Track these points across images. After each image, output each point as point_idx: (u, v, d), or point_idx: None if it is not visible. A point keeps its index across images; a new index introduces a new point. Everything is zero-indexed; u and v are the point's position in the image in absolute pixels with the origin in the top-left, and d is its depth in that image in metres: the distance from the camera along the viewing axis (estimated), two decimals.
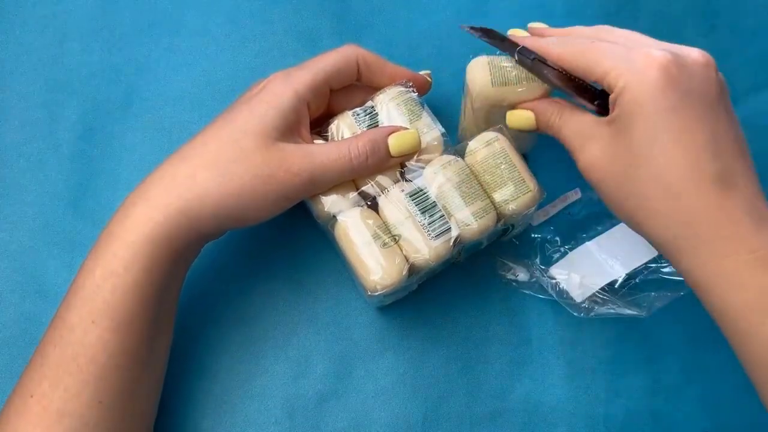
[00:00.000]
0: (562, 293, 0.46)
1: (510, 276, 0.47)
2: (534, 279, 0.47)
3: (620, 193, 0.37)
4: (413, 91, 0.43)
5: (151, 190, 0.38)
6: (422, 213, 0.40)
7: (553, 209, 0.49)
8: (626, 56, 0.36)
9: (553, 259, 0.48)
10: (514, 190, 0.41)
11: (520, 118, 0.42)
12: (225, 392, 0.45)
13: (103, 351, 0.36)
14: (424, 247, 0.40)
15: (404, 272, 0.40)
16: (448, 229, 0.40)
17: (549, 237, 0.48)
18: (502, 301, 0.47)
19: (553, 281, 0.47)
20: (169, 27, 0.52)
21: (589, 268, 0.47)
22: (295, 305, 0.47)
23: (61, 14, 0.52)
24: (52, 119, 0.50)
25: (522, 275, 0.47)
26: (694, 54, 0.38)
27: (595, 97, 0.40)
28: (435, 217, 0.40)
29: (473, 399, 0.46)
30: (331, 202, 0.41)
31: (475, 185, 0.41)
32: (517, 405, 0.46)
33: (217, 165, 0.38)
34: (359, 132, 0.42)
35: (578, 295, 0.46)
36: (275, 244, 0.47)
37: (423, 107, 0.43)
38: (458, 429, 0.45)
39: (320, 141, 0.42)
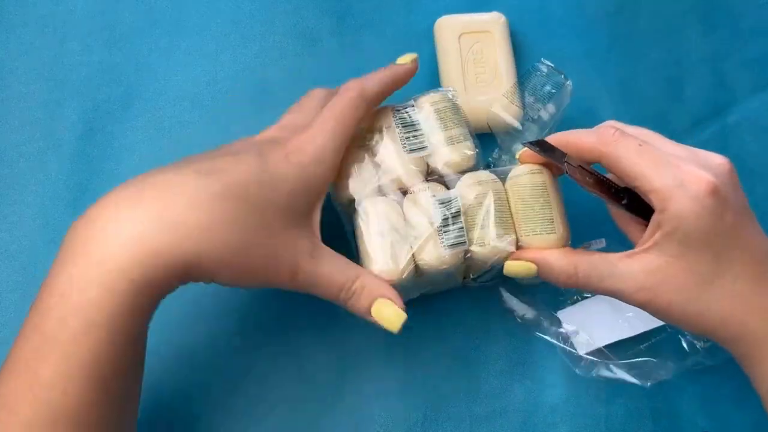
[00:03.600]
0: (566, 340, 0.46)
1: (512, 308, 0.46)
2: (539, 319, 0.46)
3: (692, 311, 0.37)
4: (455, 97, 0.43)
5: (145, 230, 0.32)
6: (443, 220, 0.40)
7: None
8: (675, 175, 0.36)
9: (562, 303, 0.47)
10: (540, 227, 0.40)
11: (520, 270, 0.40)
12: (225, 393, 0.45)
13: (87, 411, 0.32)
14: (433, 253, 0.39)
15: (407, 273, 0.39)
16: (464, 243, 0.40)
17: None
18: (501, 299, 0.47)
19: (560, 329, 0.46)
20: (169, 27, 0.52)
21: (599, 322, 0.46)
22: (295, 305, 0.47)
23: (61, 14, 0.52)
24: (52, 119, 0.50)
25: (528, 314, 0.46)
26: (719, 160, 0.38)
27: (621, 196, 0.40)
28: (455, 227, 0.40)
29: (473, 399, 0.46)
30: (354, 188, 0.40)
31: (506, 211, 0.41)
32: (517, 405, 0.46)
33: (234, 229, 0.34)
34: (401, 157, 0.40)
35: (582, 346, 0.46)
36: None
37: (461, 116, 0.42)
38: (458, 429, 0.45)
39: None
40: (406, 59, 0.42)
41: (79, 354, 0.31)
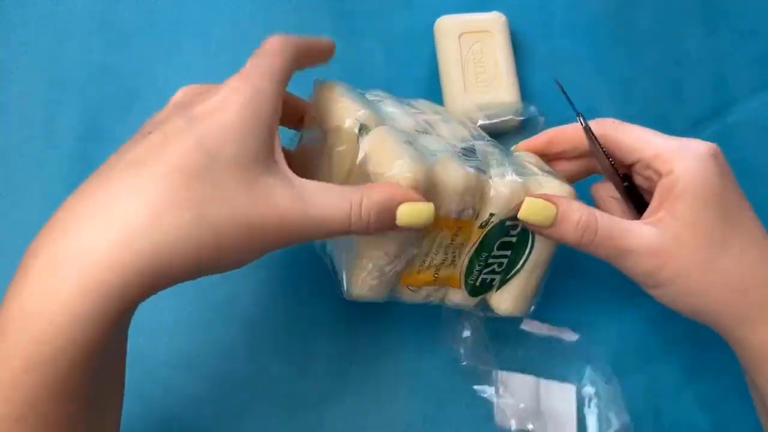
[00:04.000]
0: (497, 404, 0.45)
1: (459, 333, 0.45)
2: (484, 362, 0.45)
3: (705, 280, 0.36)
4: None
5: (90, 237, 0.27)
6: (463, 149, 0.37)
7: (540, 329, 0.47)
8: (677, 140, 0.38)
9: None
10: (557, 177, 0.39)
11: (539, 209, 0.37)
12: (224, 393, 0.45)
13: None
14: (456, 169, 0.35)
15: (429, 174, 0.34)
16: (483, 171, 0.37)
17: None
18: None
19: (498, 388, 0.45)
20: (169, 27, 0.52)
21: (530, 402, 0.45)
22: (294, 305, 0.47)
23: (61, 14, 0.52)
24: (52, 119, 0.50)
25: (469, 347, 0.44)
26: (707, 142, 0.39)
27: (623, 180, 0.40)
28: (473, 158, 0.37)
29: (473, 399, 0.46)
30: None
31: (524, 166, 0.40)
32: None
33: (188, 205, 0.28)
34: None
35: (503, 418, 0.44)
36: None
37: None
38: (458, 429, 0.45)
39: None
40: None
41: (18, 396, 0.27)
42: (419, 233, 0.37)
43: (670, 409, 0.46)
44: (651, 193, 0.39)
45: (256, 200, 0.30)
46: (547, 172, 0.40)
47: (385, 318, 0.47)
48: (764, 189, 0.50)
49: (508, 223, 0.38)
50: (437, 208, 0.35)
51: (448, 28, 0.50)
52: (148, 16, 0.52)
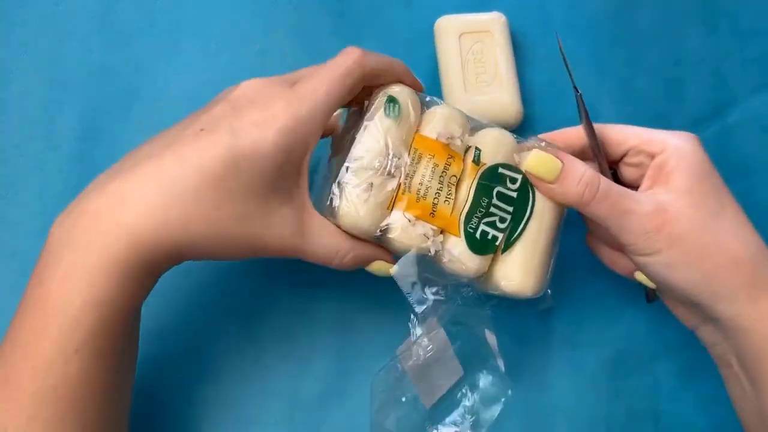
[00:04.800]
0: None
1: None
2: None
3: (703, 243, 0.37)
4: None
5: (132, 212, 0.34)
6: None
7: None
8: (666, 133, 0.40)
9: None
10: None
11: (544, 161, 0.38)
12: (225, 392, 0.45)
13: (88, 383, 0.34)
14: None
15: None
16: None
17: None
18: (502, 300, 0.47)
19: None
20: (169, 27, 0.52)
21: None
22: (294, 304, 0.47)
23: (61, 14, 0.51)
24: (52, 119, 0.50)
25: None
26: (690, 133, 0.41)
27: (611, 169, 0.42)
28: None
29: (473, 399, 0.46)
30: None
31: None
32: (517, 405, 0.45)
33: (209, 214, 0.34)
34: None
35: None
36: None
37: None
38: (458, 429, 0.45)
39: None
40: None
41: (79, 331, 0.33)
42: (406, 145, 0.39)
43: (670, 409, 0.46)
44: (635, 186, 0.40)
45: (266, 229, 0.36)
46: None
47: (384, 317, 0.47)
48: (764, 189, 0.50)
49: (501, 170, 0.39)
50: (423, 129, 0.39)
51: (448, 28, 0.50)
52: (148, 16, 0.52)
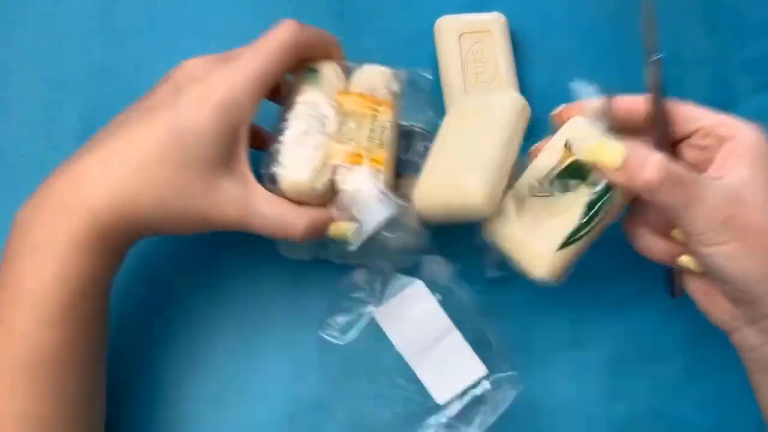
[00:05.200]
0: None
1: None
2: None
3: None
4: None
5: (89, 190, 0.36)
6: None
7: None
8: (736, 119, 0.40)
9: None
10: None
11: (609, 150, 0.37)
12: (225, 393, 0.45)
13: (63, 350, 0.36)
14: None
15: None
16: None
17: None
18: (502, 300, 0.47)
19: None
20: (169, 27, 0.52)
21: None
22: (294, 305, 0.47)
23: (61, 14, 0.51)
24: (52, 119, 0.50)
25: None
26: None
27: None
28: None
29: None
30: None
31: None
32: (517, 406, 0.45)
33: (157, 190, 0.37)
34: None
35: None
36: (272, 242, 0.47)
37: None
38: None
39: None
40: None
41: (50, 305, 0.35)
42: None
43: (670, 409, 0.46)
44: (698, 168, 0.39)
45: (210, 203, 0.37)
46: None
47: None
48: None
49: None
50: (350, 88, 0.41)
51: (448, 28, 0.50)
52: (148, 16, 0.52)
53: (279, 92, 0.43)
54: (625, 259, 0.47)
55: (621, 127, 0.41)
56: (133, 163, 0.36)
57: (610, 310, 0.48)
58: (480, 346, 0.44)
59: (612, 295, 0.48)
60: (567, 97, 0.42)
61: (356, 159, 0.40)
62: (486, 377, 0.43)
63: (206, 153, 0.37)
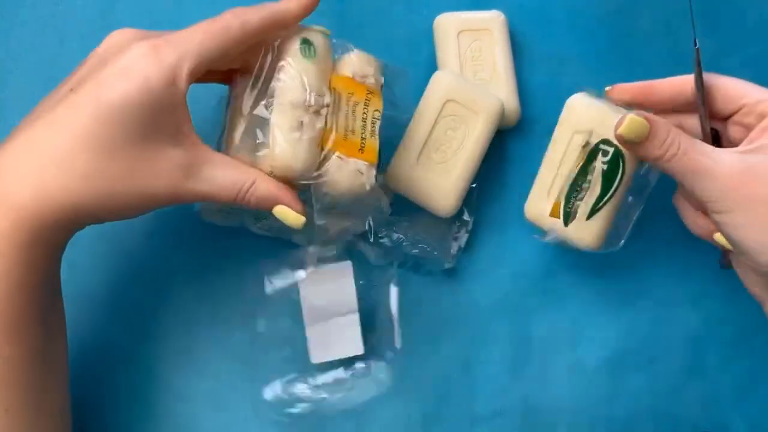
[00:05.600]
0: None
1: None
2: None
3: None
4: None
5: (8, 186, 0.33)
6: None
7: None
8: None
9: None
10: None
11: (637, 126, 0.39)
12: (224, 392, 0.45)
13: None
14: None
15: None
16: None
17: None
18: (502, 300, 0.47)
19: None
20: (170, 27, 0.52)
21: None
22: (293, 309, 0.47)
23: (61, 14, 0.51)
24: None
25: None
26: None
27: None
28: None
29: (473, 399, 0.46)
30: None
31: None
32: (516, 405, 0.45)
33: (88, 173, 0.33)
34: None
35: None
36: (271, 243, 0.47)
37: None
38: (458, 429, 0.45)
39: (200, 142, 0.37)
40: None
41: None
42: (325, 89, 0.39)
43: (670, 409, 0.46)
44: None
45: (154, 178, 0.34)
46: None
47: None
48: None
49: (600, 146, 0.42)
50: (338, 71, 0.40)
51: (448, 25, 0.50)
52: (148, 16, 0.52)
53: (231, 77, 0.41)
54: (624, 259, 0.48)
55: (668, 108, 0.43)
56: (57, 151, 0.33)
57: (610, 310, 0.48)
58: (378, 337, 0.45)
59: (612, 295, 0.48)
60: (564, 96, 0.42)
61: (351, 150, 0.39)
62: (362, 360, 0.44)
63: (143, 128, 0.34)
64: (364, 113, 0.40)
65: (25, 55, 0.51)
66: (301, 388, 0.44)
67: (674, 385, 0.46)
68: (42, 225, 0.33)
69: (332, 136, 0.39)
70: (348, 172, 0.39)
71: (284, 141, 0.37)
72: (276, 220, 0.38)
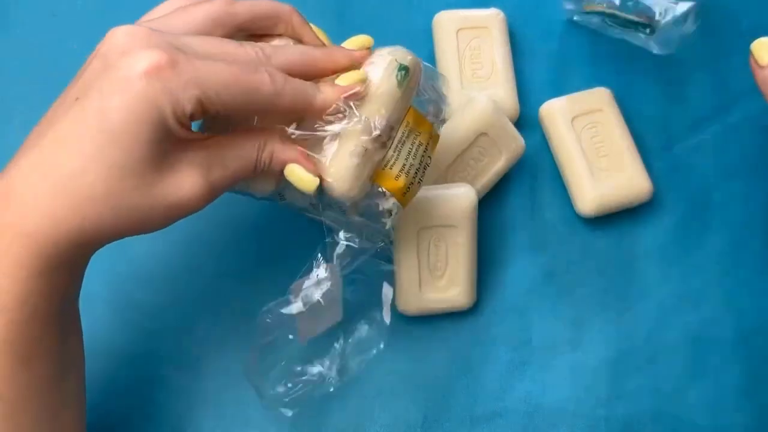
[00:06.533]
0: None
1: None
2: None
3: None
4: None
5: (19, 210, 0.31)
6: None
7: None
8: None
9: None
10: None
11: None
12: (224, 392, 0.45)
13: (9, 387, 0.32)
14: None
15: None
16: None
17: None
18: (502, 300, 0.47)
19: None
20: None
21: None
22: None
23: (61, 14, 0.52)
24: None
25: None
26: None
27: None
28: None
29: (473, 399, 0.45)
30: None
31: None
32: (517, 405, 0.45)
33: (101, 191, 0.31)
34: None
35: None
36: (271, 243, 0.47)
37: None
38: (458, 429, 0.45)
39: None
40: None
41: None
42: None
43: (670, 409, 0.46)
44: None
45: (177, 184, 0.32)
46: None
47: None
48: (765, 189, 0.50)
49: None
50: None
51: (447, 23, 0.50)
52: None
53: None
54: (624, 259, 0.48)
55: None
56: (67, 169, 0.30)
57: (610, 310, 0.48)
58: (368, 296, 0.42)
59: (612, 295, 0.48)
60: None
61: (398, 192, 0.37)
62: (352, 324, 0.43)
63: (156, 133, 0.31)
64: (423, 157, 0.38)
65: (25, 55, 0.51)
66: (299, 374, 0.42)
67: (675, 385, 0.46)
68: (58, 251, 0.31)
69: (385, 171, 0.36)
70: (382, 209, 0.37)
71: (340, 161, 0.35)
72: (293, 189, 0.36)
